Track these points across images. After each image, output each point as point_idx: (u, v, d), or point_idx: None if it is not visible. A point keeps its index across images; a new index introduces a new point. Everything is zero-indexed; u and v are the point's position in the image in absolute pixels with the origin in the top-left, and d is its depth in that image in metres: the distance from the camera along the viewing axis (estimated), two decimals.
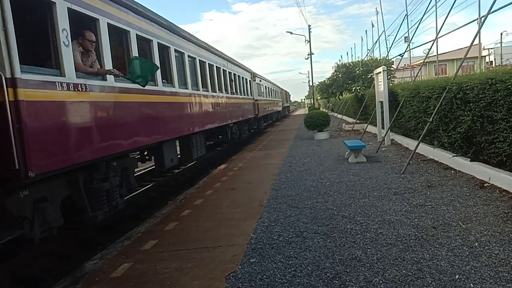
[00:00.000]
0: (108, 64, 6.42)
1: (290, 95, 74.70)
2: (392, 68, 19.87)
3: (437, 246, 4.28)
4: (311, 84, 44.52)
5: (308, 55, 36.51)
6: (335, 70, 23.04)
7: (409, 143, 11.38)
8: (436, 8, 13.60)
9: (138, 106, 7.35)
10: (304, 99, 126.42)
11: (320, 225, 5.36)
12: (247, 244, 4.85)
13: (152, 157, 9.22)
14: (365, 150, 10.70)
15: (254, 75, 23.49)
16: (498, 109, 6.45)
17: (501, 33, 34.13)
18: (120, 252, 5.21)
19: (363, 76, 20.26)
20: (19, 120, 4.28)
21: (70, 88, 5.31)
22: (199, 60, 11.85)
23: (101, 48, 6.30)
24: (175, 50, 9.72)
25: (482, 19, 9.08)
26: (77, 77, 5.49)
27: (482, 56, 21.11)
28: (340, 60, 24.58)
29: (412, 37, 15.40)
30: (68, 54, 5.32)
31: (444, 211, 5.43)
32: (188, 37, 11.09)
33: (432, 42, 12.37)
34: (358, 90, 20.11)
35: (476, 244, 4.23)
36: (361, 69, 20.64)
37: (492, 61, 39.29)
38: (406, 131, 12.38)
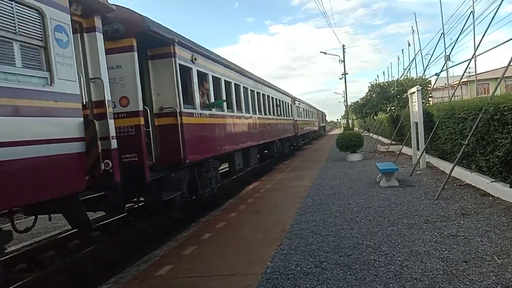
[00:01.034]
0: (211, 100, 9.89)
1: (326, 115, 77.86)
2: (428, 88, 19.24)
3: (468, 283, 3.90)
4: (346, 104, 43.98)
5: (342, 74, 36.17)
6: (369, 90, 22.63)
7: (445, 166, 10.81)
8: (474, 26, 13.14)
9: (224, 125, 10.91)
10: (340, 119, 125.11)
11: (342, 255, 5.07)
12: (262, 274, 4.63)
13: (227, 162, 12.55)
14: (398, 173, 10.26)
15: (294, 99, 26.38)
16: None
17: None
18: (135, 277, 5.13)
19: (398, 96, 19.74)
20: (182, 132, 7.78)
21: (197, 115, 8.83)
22: (256, 91, 15.45)
23: (209, 91, 9.91)
24: (243, 87, 13.42)
25: None
26: (200, 109, 9.00)
27: None
28: (376, 80, 24.16)
29: (449, 55, 14.87)
30: (197, 96, 8.90)
31: (478, 243, 5.00)
32: (253, 77, 15.28)
33: (469, 60, 11.86)
34: (393, 110, 19.57)
35: None
36: (396, 88, 20.13)
37: None
38: (442, 153, 11.82)
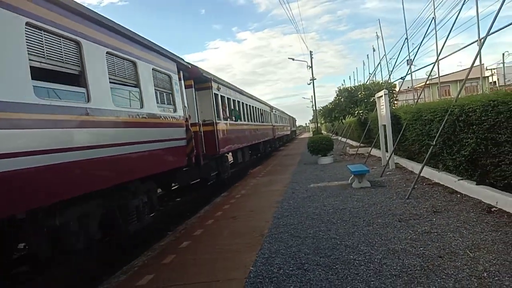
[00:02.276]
0: (226, 114, 14.71)
1: (296, 120, 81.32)
2: (394, 91, 19.86)
3: (444, 277, 4.07)
4: (314, 108, 44.68)
5: (310, 80, 36.74)
6: (337, 95, 23.10)
7: (414, 166, 11.19)
8: (436, 31, 13.72)
9: (236, 130, 15.96)
10: (309, 123, 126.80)
11: (322, 256, 5.16)
12: (245, 279, 4.65)
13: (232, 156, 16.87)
14: (369, 175, 10.51)
15: (271, 108, 31.93)
16: (502, 131, 6.31)
17: (503, 54, 34.13)
18: None
19: (366, 100, 20.27)
20: (217, 135, 12.46)
21: (223, 124, 13.64)
22: (248, 104, 20.48)
23: (226, 107, 14.78)
24: (242, 102, 18.61)
25: (482, 40, 9.07)
26: (223, 120, 13.84)
27: (484, 77, 21.09)
28: (342, 84, 24.82)
29: (413, 59, 15.44)
30: (221, 112, 13.78)
31: (451, 239, 5.22)
32: (246, 94, 20.05)
33: (433, 64, 12.36)
34: (361, 114, 20.06)
35: (485, 274, 4.02)
36: (363, 92, 20.66)
37: (495, 81, 39.25)
38: (410, 154, 12.22)
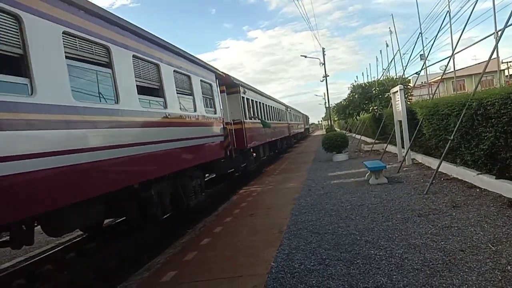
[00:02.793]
0: (255, 115, 17.75)
1: (309, 118, 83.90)
2: (409, 86, 19.69)
3: (467, 270, 4.08)
4: (327, 105, 44.52)
5: (323, 77, 36.61)
6: (351, 91, 23.01)
7: (431, 162, 11.12)
8: (450, 25, 13.55)
9: (259, 129, 18.01)
10: (321, 121, 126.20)
11: (342, 251, 5.20)
12: (267, 274, 4.72)
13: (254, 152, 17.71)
14: (385, 171, 10.49)
15: (287, 107, 33.76)
16: None
17: None
18: (139, 285, 5.15)
19: (380, 96, 20.15)
20: (245, 132, 14.81)
21: (249, 123, 15.85)
22: (268, 105, 22.86)
23: (251, 108, 17.01)
24: (263, 103, 21.02)
25: (499, 33, 8.95)
26: (249, 119, 16.12)
27: (501, 70, 20.76)
28: (356, 81, 24.63)
29: (428, 54, 15.27)
30: (247, 112, 15.99)
31: (472, 233, 5.20)
32: (266, 95, 22.81)
33: (449, 58, 12.23)
34: (376, 110, 19.94)
35: (509, 267, 4.01)
36: (377, 88, 20.54)
37: (511, 75, 38.56)
38: (427, 149, 12.13)
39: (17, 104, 4.40)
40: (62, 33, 5.27)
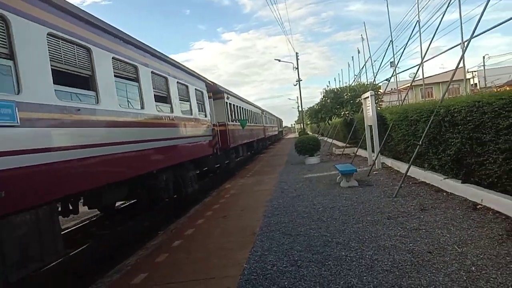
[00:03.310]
0: (236, 118, 20.16)
1: (282, 121, 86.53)
2: (379, 93, 20.16)
3: (434, 271, 4.20)
4: (300, 109, 44.98)
5: (296, 81, 36.96)
6: (323, 96, 23.33)
7: (400, 166, 11.41)
8: (420, 34, 14.00)
9: (239, 130, 20.34)
10: (294, 124, 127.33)
11: (314, 252, 5.26)
12: (240, 275, 4.72)
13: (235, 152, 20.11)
14: (356, 174, 10.68)
15: (262, 111, 36.33)
16: (486, 131, 6.51)
17: (483, 56, 35.05)
18: (108, 287, 5.03)
19: (351, 101, 20.52)
20: (228, 133, 17.01)
21: (231, 126, 18.04)
22: (248, 109, 25.48)
23: (233, 112, 19.47)
24: (243, 108, 23.37)
25: (466, 43, 9.30)
26: (232, 122, 18.41)
27: (467, 79, 21.55)
28: (328, 86, 25.00)
29: (398, 61, 15.71)
30: (229, 116, 18.07)
31: (439, 235, 5.37)
32: (246, 101, 25.53)
33: (418, 66, 12.60)
34: (347, 115, 20.29)
35: (473, 268, 4.17)
36: (349, 94, 20.91)
37: (476, 83, 40.11)
38: (396, 154, 12.44)
39: (93, 109, 6.40)
40: (112, 58, 7.36)
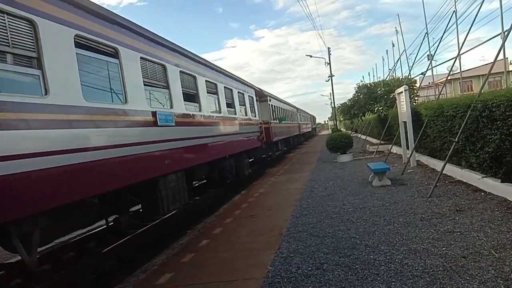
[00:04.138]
0: (277, 117, 23.68)
1: (315, 118, 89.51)
2: (415, 87, 19.47)
3: (468, 278, 3.96)
4: (333, 106, 44.30)
5: (328, 77, 36.41)
6: (356, 91, 22.79)
7: (436, 164, 10.95)
8: (457, 25, 13.38)
9: (281, 127, 24.58)
10: (328, 121, 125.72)
11: (341, 255, 5.09)
12: (263, 278, 4.63)
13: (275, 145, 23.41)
14: (390, 173, 10.35)
15: (297, 109, 39.09)
16: None
17: None
18: (134, 287, 5.08)
19: (385, 96, 19.93)
20: (271, 130, 20.47)
21: (274, 123, 21.77)
22: (284, 109, 28.17)
23: (275, 112, 23.37)
24: (282, 108, 26.79)
25: (506, 33, 8.78)
26: (273, 120, 21.92)
27: (508, 71, 20.48)
28: (361, 81, 24.42)
29: (434, 54, 15.09)
30: (272, 115, 21.68)
31: (475, 238, 5.07)
32: (284, 101, 29.19)
33: (454, 59, 12.04)
34: (381, 111, 19.75)
35: None
36: (382, 89, 20.32)
37: None
38: (432, 151, 11.96)
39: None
40: (206, 81, 10.19)
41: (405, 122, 12.88)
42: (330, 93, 43.90)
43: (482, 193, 7.39)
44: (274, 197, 10.33)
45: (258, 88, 19.33)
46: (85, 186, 5.26)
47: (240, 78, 15.19)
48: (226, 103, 12.48)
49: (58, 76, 5.05)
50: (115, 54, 6.53)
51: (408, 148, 12.91)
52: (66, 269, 6.42)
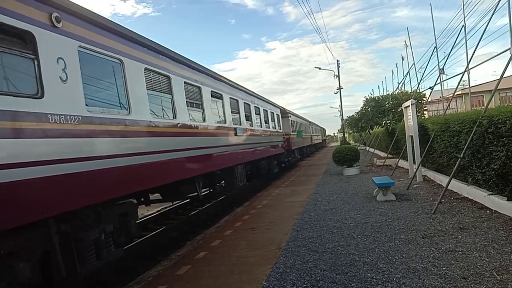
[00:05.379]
0: (295, 129, 28.34)
1: (325, 130, 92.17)
2: (423, 101, 19.30)
3: None
4: (341, 118, 44.16)
5: (337, 89, 36.34)
6: (364, 104, 22.66)
7: (442, 179, 10.76)
8: (466, 40, 13.25)
9: (298, 138, 29.40)
10: (337, 133, 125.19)
11: (338, 272, 4.97)
12: None
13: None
14: (395, 187, 10.19)
15: (310, 122, 43.12)
16: None
17: None
18: None
19: (393, 110, 19.78)
20: (290, 140, 24.86)
21: (292, 135, 26.30)
22: (297, 122, 31.09)
23: (293, 126, 28.05)
24: (298, 122, 31.54)
25: None
26: (292, 133, 26.39)
27: None
28: (371, 94, 24.28)
29: (442, 68, 14.94)
30: (291, 128, 26.37)
31: (477, 259, 4.91)
32: (298, 115, 34.21)
33: (462, 73, 11.90)
34: (389, 124, 19.58)
35: None
36: (390, 102, 20.18)
37: None
38: (438, 166, 11.78)
39: (259, 130, 15.49)
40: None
41: (411, 136, 12.72)
42: (339, 105, 43.92)
43: (488, 211, 7.21)
44: (277, 209, 10.21)
45: (282, 107, 24.09)
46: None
47: (271, 101, 19.95)
48: (264, 120, 17.40)
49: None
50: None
51: (414, 163, 12.73)
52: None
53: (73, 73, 5.22)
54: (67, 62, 5.13)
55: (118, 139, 5.97)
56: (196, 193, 9.42)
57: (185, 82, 8.81)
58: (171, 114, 8.02)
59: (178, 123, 8.16)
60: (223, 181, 12.64)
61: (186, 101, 8.72)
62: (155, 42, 7.64)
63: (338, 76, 35.18)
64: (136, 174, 6.33)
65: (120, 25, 6.51)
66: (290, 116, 26.04)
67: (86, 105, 5.37)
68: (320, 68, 39.16)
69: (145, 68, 7.14)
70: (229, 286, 4.96)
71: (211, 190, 11.74)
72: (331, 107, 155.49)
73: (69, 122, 4.97)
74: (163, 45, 8.04)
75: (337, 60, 35.23)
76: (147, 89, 7.05)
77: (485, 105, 8.05)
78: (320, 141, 61.50)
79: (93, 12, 5.86)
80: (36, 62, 4.64)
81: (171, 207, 12.37)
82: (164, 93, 7.86)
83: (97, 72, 5.94)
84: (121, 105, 6.27)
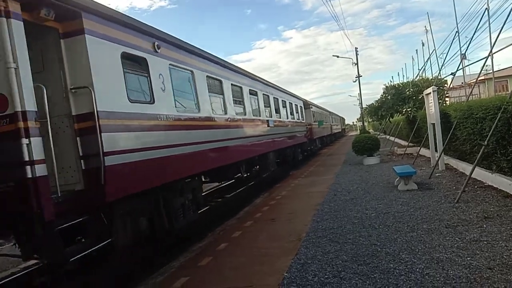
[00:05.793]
0: (316, 120, 29.42)
1: (344, 119, 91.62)
2: (445, 88, 18.88)
3: None
4: (361, 107, 43.63)
5: (355, 77, 35.88)
6: (383, 92, 22.31)
7: (465, 167, 10.54)
8: (489, 23, 12.88)
9: (319, 127, 30.15)
10: (356, 122, 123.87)
11: (360, 263, 4.94)
12: (279, 285, 4.54)
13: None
14: (417, 176, 10.04)
15: (330, 112, 44.43)
16: None
17: None
18: None
19: (414, 97, 19.41)
20: (312, 130, 26.39)
21: (313, 125, 27.49)
22: (319, 113, 32.80)
23: (314, 116, 29.05)
24: (319, 113, 32.95)
25: None
26: (313, 123, 27.69)
27: None
28: (391, 81, 23.93)
29: (464, 53, 14.56)
30: (313, 118, 27.88)
31: (502, 248, 4.81)
32: (319, 106, 36.02)
33: (486, 58, 11.58)
34: (409, 112, 19.25)
35: None
36: (411, 89, 19.81)
37: None
38: (461, 154, 11.53)
39: (293, 122, 19.65)
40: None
41: (433, 124, 12.47)
42: (358, 94, 43.45)
43: None
44: (296, 200, 10.21)
45: (304, 99, 25.92)
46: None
47: (295, 94, 22.21)
48: (290, 112, 19.09)
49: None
50: (255, 93, 13.19)
51: (436, 151, 12.50)
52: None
53: (167, 84, 7.05)
54: (164, 76, 6.98)
55: (193, 132, 7.84)
56: (239, 174, 11.87)
57: (231, 84, 10.80)
58: (223, 111, 9.92)
59: (228, 118, 10.16)
60: (257, 166, 14.20)
61: (233, 99, 10.69)
62: (212, 55, 9.57)
63: (357, 63, 34.74)
64: (204, 157, 8.31)
65: (191, 44, 8.42)
66: (311, 107, 28.23)
67: (175, 106, 7.24)
68: (338, 56, 38.79)
69: (207, 76, 9.00)
70: (251, 277, 5.00)
71: (248, 174, 12.98)
72: (350, 96, 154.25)
73: (168, 120, 6.88)
74: (218, 56, 10.04)
75: (356, 48, 34.76)
76: (208, 92, 8.91)
77: (510, 90, 7.81)
78: (340, 130, 62.08)
79: (177, 38, 7.80)
80: (148, 79, 6.50)
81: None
82: (219, 94, 9.80)
83: (179, 82, 7.77)
84: (195, 105, 8.23)
